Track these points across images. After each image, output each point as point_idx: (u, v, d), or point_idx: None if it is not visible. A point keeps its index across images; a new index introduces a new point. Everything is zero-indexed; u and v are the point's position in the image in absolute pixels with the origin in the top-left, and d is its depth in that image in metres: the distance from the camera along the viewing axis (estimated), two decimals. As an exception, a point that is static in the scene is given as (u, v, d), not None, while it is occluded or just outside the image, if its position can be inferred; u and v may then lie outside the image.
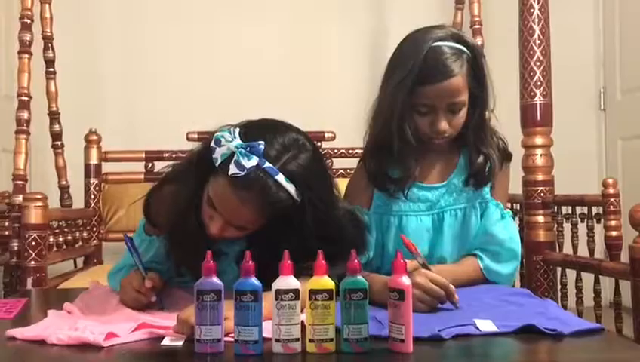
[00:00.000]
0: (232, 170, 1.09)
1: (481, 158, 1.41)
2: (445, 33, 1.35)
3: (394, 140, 1.37)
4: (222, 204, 1.14)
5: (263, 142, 1.11)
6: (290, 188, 1.12)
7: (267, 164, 1.10)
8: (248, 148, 1.10)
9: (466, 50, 1.34)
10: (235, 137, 1.12)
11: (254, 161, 1.09)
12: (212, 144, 1.13)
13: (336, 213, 1.22)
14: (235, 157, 1.09)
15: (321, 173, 1.21)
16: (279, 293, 0.94)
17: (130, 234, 1.29)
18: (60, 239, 2.19)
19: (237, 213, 1.14)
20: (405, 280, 0.94)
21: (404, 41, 1.40)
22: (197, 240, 1.19)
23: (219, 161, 1.12)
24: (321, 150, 2.54)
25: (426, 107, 1.34)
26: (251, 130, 1.16)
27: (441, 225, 1.42)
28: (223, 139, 1.12)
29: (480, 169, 1.41)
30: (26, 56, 2.29)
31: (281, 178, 1.11)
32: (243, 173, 1.09)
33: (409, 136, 1.36)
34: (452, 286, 1.19)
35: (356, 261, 0.96)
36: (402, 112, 1.34)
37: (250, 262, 0.95)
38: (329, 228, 1.18)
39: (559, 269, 2.05)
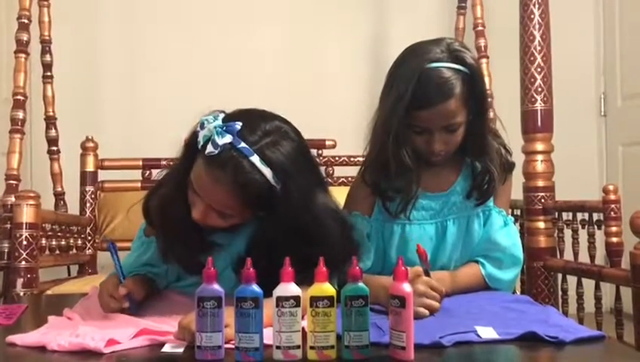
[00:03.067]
0: (208, 148, 1.11)
1: (481, 175, 1.40)
2: (442, 51, 1.30)
3: (390, 165, 1.35)
4: (199, 184, 1.15)
5: (240, 123, 1.13)
6: (266, 171, 1.11)
7: (242, 144, 1.11)
8: (225, 128, 1.12)
9: (463, 68, 1.30)
10: (216, 120, 1.14)
11: (228, 138, 1.10)
12: (197, 128, 1.16)
13: (316, 208, 1.17)
14: (212, 136, 1.11)
15: (303, 165, 1.18)
16: (280, 300, 0.93)
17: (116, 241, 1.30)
18: (53, 243, 2.16)
19: (212, 194, 1.14)
20: (406, 288, 0.94)
21: (400, 58, 1.36)
22: (183, 227, 1.20)
23: (201, 143, 1.13)
24: (321, 158, 2.57)
25: (421, 128, 1.33)
26: (235, 115, 1.18)
27: (445, 233, 1.41)
28: (206, 122, 1.14)
29: (480, 185, 1.40)
30: (23, 55, 2.29)
31: (256, 159, 1.10)
32: (217, 151, 1.10)
33: (406, 160, 1.34)
34: (441, 288, 1.21)
35: (357, 267, 0.96)
36: (397, 135, 1.32)
37: (252, 269, 0.95)
38: (308, 224, 1.15)
39: (560, 275, 2.05)
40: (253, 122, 1.15)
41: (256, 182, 1.11)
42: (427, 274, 1.24)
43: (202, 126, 1.14)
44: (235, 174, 1.10)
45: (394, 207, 1.39)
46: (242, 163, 1.10)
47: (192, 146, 1.18)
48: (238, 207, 1.16)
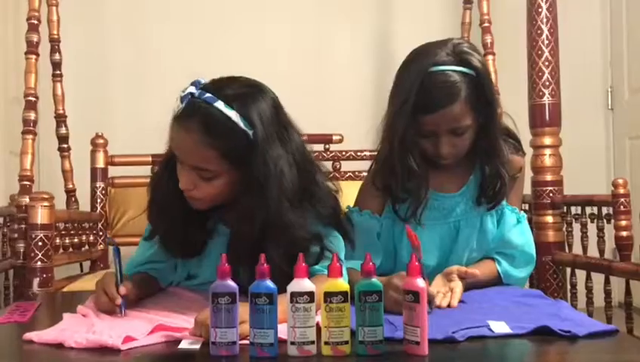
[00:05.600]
0: (178, 108, 1.19)
1: (490, 179, 1.37)
2: (447, 54, 1.29)
3: (397, 170, 1.34)
4: (175, 145, 1.20)
5: (204, 79, 1.21)
6: (232, 113, 1.15)
7: (207, 94, 1.16)
8: (189, 85, 1.20)
9: (469, 71, 1.28)
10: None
11: (191, 89, 1.18)
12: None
13: (268, 158, 1.15)
14: (179, 96, 1.19)
15: (271, 117, 1.19)
16: (294, 296, 0.94)
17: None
18: (67, 241, 2.18)
19: (187, 147, 1.17)
20: (420, 283, 0.95)
21: (406, 60, 1.35)
22: (170, 205, 1.24)
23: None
24: (328, 153, 2.58)
25: (428, 131, 1.32)
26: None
27: (457, 233, 1.40)
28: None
29: (489, 189, 1.38)
30: (33, 57, 2.30)
31: (220, 104, 1.15)
32: (183, 105, 1.18)
33: (413, 166, 1.33)
34: (432, 291, 1.18)
35: (371, 263, 0.97)
36: (403, 140, 1.31)
37: (265, 264, 0.96)
38: (267, 177, 1.15)
39: (569, 270, 2.05)
40: (221, 80, 1.22)
41: (224, 124, 1.14)
42: (419, 261, 1.22)
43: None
44: (202, 118, 1.15)
45: (404, 211, 1.38)
46: (208, 108, 1.15)
47: None
48: (216, 159, 1.16)
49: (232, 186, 1.20)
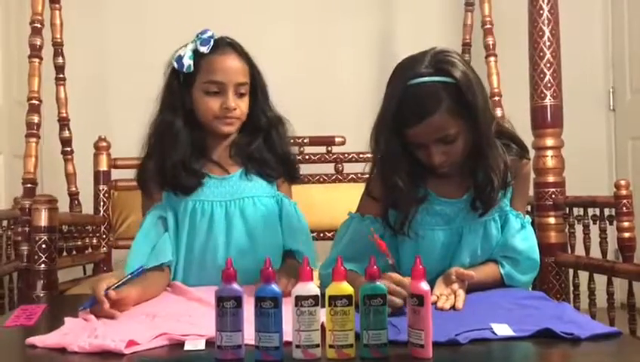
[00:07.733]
0: (205, 45, 1.47)
1: (482, 186, 1.36)
2: (425, 67, 1.26)
3: (384, 186, 1.35)
4: (222, 70, 1.47)
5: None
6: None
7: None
8: (198, 37, 1.49)
9: (449, 80, 1.26)
10: (186, 47, 1.50)
11: (210, 32, 1.50)
12: (175, 64, 1.53)
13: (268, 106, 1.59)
14: (200, 42, 1.49)
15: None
16: (299, 300, 0.94)
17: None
18: (70, 244, 2.18)
19: (233, 68, 1.48)
20: (424, 286, 0.95)
21: (390, 75, 1.34)
22: (184, 145, 1.49)
23: (188, 64, 1.49)
24: (331, 155, 2.58)
25: (417, 143, 1.31)
26: None
27: (460, 240, 1.39)
28: (179, 57, 1.51)
29: (481, 196, 1.37)
30: (37, 60, 2.31)
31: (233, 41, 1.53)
32: (213, 40, 1.48)
33: (398, 183, 1.33)
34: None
35: (375, 267, 0.97)
36: (387, 156, 1.32)
37: (270, 269, 0.96)
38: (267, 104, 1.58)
39: (571, 271, 2.05)
40: None
41: (248, 55, 1.55)
42: (395, 269, 1.22)
43: (179, 60, 1.51)
44: (237, 47, 1.53)
45: (393, 219, 1.38)
46: (233, 42, 1.55)
47: (175, 85, 1.55)
48: (248, 70, 1.52)
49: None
